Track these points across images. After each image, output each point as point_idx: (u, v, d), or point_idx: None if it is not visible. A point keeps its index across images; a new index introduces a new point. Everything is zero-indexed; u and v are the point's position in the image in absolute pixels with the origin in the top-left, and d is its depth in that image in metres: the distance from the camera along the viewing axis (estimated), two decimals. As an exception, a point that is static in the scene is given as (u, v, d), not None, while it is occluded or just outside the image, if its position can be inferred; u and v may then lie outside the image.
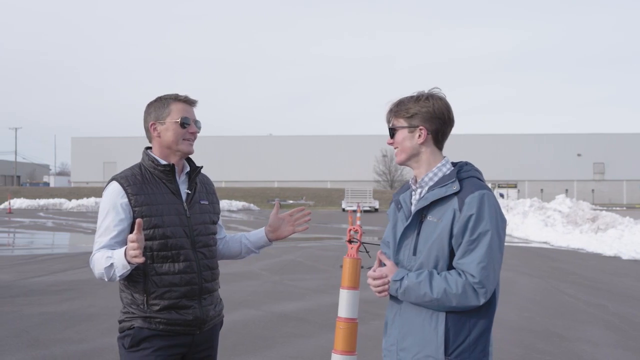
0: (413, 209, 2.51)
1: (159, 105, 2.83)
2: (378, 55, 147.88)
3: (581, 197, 62.79)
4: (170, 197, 2.79)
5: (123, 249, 2.60)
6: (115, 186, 2.75)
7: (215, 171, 72.44)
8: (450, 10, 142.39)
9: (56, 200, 51.37)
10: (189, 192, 2.86)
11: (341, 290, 3.69)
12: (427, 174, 2.52)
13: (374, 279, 2.49)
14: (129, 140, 75.91)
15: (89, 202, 48.47)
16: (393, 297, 2.51)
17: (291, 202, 60.95)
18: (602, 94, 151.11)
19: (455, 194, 2.41)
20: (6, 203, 47.04)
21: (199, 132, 2.88)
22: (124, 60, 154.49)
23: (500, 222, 2.40)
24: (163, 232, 2.73)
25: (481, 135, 78.98)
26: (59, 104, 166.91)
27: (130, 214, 2.72)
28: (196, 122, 2.86)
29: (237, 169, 77.78)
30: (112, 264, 2.62)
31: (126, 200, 2.71)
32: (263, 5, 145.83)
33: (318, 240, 21.18)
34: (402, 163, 2.56)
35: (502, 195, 55.47)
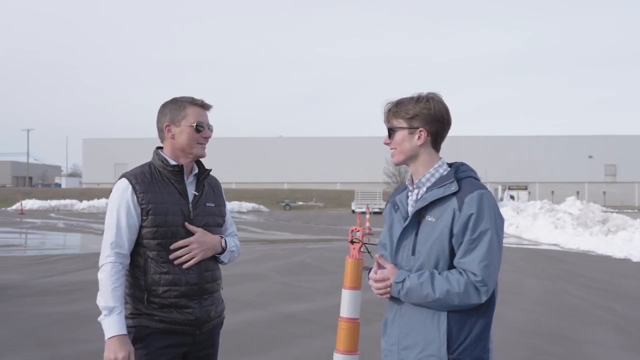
0: (411, 209, 2.52)
1: (174, 107, 2.86)
2: (386, 55, 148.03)
3: (592, 199, 62.37)
4: (177, 198, 2.82)
5: (120, 321, 2.65)
6: (124, 183, 2.79)
7: (225, 172, 72.53)
8: (463, 11, 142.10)
9: (67, 201, 51.77)
10: (196, 193, 2.89)
11: (343, 290, 3.74)
12: (424, 174, 2.53)
13: (376, 281, 2.50)
14: (139, 142, 76.15)
15: (100, 203, 48.78)
16: (393, 298, 2.52)
17: (301, 203, 61.00)
18: (602, 95, 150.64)
19: (454, 194, 2.42)
20: (18, 204, 47.44)
21: (211, 137, 2.92)
22: (133, 61, 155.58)
23: (499, 221, 2.42)
24: (165, 232, 2.76)
25: (492, 137, 78.73)
26: (70, 105, 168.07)
27: (138, 212, 2.76)
28: (209, 127, 2.90)
29: (247, 171, 77.92)
30: (104, 315, 2.66)
31: (135, 197, 2.75)
32: (273, 5, 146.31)
33: (327, 241, 21.22)
34: (400, 164, 2.57)
35: (512, 197, 55.23)
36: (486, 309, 2.43)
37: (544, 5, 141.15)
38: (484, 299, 2.37)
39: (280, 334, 7.18)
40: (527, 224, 25.43)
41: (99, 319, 2.70)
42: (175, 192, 2.83)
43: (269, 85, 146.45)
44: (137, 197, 2.76)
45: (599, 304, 9.48)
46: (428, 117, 2.49)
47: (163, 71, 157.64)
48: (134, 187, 2.77)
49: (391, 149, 2.57)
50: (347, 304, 3.67)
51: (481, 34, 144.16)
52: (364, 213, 30.29)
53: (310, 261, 14.57)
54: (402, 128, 2.52)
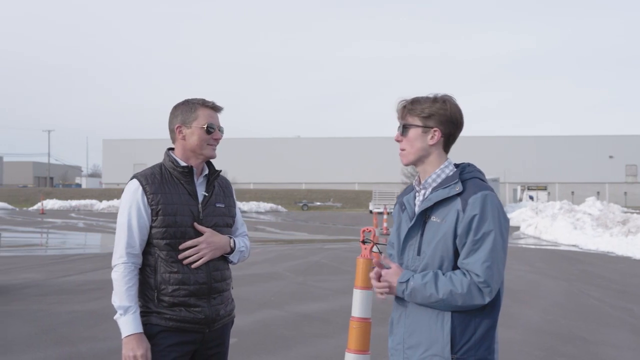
0: (417, 210, 2.54)
1: (186, 109, 2.90)
2: (401, 56, 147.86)
3: (613, 200, 61.72)
4: (186, 198, 2.86)
5: (136, 320, 2.73)
6: (135, 184, 2.84)
7: (243, 173, 72.79)
8: (478, 13, 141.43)
9: (87, 202, 52.31)
10: (206, 194, 2.93)
11: (354, 290, 3.76)
12: (430, 175, 2.54)
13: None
14: (158, 142, 76.69)
15: (119, 203, 49.17)
16: (398, 297, 2.54)
17: (318, 203, 61.04)
18: (620, 95, 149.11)
19: (459, 194, 2.43)
20: (39, 204, 47.99)
21: (221, 138, 2.96)
22: (151, 64, 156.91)
23: (503, 222, 2.42)
24: (174, 232, 2.81)
25: (511, 137, 78.19)
26: (90, 108, 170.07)
27: (148, 212, 2.81)
28: (220, 129, 2.94)
29: (265, 171, 78.09)
30: (119, 314, 2.74)
31: (145, 198, 2.81)
32: (292, 6, 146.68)
33: (344, 242, 21.22)
34: (409, 164, 2.57)
35: (531, 198, 54.79)
36: (491, 309, 2.43)
37: (561, 6, 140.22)
38: (487, 300, 2.37)
39: (296, 333, 7.22)
40: (546, 224, 25.23)
41: (114, 317, 2.75)
42: (185, 193, 2.87)
43: (290, 86, 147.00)
44: (147, 198, 2.81)
45: (617, 305, 9.39)
46: (443, 118, 2.50)
47: (179, 74, 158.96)
48: (144, 188, 2.82)
49: (401, 148, 2.57)
50: (358, 303, 3.69)
51: (499, 34, 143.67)
52: (381, 213, 30.25)
53: (326, 261, 14.59)
54: (417, 126, 2.53)
